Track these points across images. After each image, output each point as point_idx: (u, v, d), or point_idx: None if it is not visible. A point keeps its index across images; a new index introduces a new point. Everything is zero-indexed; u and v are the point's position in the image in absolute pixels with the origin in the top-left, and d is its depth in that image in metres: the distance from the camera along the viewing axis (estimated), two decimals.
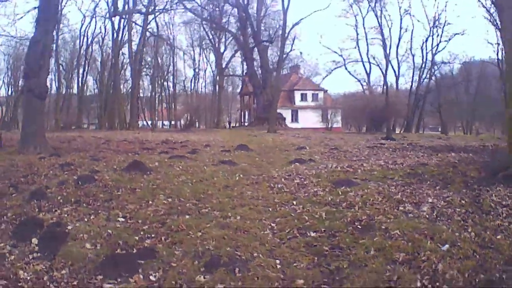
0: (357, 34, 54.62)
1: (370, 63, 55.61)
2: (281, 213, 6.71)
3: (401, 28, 51.78)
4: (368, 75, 56.49)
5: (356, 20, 54.16)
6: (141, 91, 57.37)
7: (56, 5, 16.57)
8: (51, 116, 50.91)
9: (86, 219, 6.42)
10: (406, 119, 52.73)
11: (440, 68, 56.21)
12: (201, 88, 70.11)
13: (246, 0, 46.52)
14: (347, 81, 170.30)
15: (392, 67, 53.97)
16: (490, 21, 40.19)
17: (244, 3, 46.24)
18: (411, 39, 55.91)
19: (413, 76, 56.08)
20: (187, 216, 6.54)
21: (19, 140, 15.81)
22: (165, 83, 62.39)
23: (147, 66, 56.13)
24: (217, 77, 61.84)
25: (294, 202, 7.31)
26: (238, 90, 70.74)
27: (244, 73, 63.58)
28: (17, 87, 59.28)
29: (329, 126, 56.99)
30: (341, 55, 54.40)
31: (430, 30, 50.82)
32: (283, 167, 11.74)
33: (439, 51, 52.50)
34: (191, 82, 67.69)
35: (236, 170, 11.15)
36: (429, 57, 53.27)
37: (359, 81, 58.10)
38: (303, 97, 61.45)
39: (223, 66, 59.67)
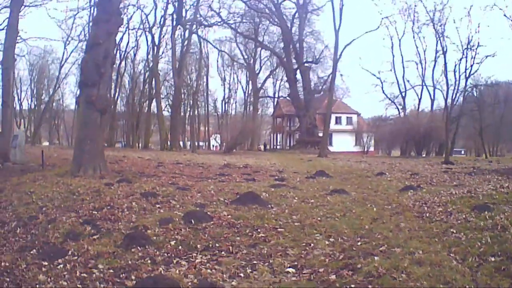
0: (393, 56, 51.43)
1: (405, 86, 52.44)
2: (450, 242, 5.78)
3: (436, 51, 48.33)
4: (404, 98, 53.17)
5: (392, 42, 50.95)
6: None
7: (119, 3, 13.63)
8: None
9: (242, 275, 4.72)
10: (441, 143, 49.11)
11: (472, 91, 52.68)
12: (231, 110, 67.21)
13: (291, 19, 43.65)
14: (375, 105, 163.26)
15: (428, 90, 51.02)
16: None
17: (289, 23, 43.39)
18: (445, 62, 51.98)
19: (446, 99, 52.46)
20: (376, 258, 5.00)
21: (72, 161, 12.76)
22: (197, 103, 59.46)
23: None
24: (251, 99, 59.00)
25: (453, 230, 6.38)
26: (269, 112, 67.90)
27: (277, 95, 61.03)
28: (40, 100, 56.95)
29: (365, 150, 53.90)
30: (379, 78, 51.22)
31: (463, 52, 47.15)
32: (403, 194, 10.20)
33: (472, 74, 49.00)
34: (222, 103, 65.01)
35: (358, 199, 9.55)
36: (462, 79, 49.73)
37: (394, 103, 54.40)
38: (338, 121, 58.22)
39: (258, 87, 56.83)
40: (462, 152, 56.95)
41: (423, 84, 50.65)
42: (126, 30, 47.22)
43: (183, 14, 38.05)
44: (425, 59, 50.00)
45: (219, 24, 40.19)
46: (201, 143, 58.52)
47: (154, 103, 48.57)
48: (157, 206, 8.02)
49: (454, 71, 48.92)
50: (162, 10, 43.33)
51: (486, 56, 45.99)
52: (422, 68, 50.10)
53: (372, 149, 57.27)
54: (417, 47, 50.86)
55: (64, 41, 48.32)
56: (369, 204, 8.88)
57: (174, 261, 5.20)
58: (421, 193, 10.38)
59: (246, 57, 56.51)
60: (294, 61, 44.76)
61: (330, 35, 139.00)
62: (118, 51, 50.27)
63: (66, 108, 65.97)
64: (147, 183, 10.84)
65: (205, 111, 58.87)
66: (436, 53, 48.23)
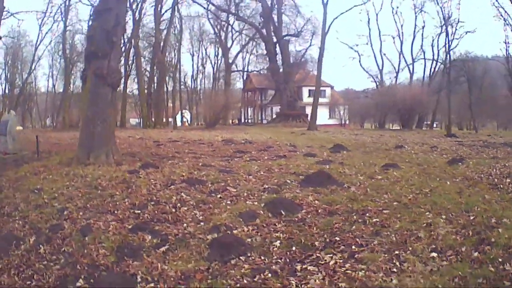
0: (370, 30, 51.01)
1: (382, 60, 52.19)
2: None
3: (415, 25, 48.47)
4: (381, 71, 52.89)
5: (369, 16, 50.37)
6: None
7: None
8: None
9: (395, 269, 3.85)
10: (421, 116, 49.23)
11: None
12: (200, 85, 64.67)
13: None
14: (346, 78, 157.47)
15: (407, 63, 51.02)
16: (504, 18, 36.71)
17: None
18: (422, 36, 52.01)
19: (424, 72, 52.93)
20: (500, 230, 4.59)
21: (78, 145, 10.93)
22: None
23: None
24: (220, 73, 56.95)
25: None
26: (236, 87, 65.90)
27: (246, 69, 59.18)
28: (14, 85, 52.94)
29: (343, 122, 53.61)
30: (356, 51, 50.63)
31: (442, 27, 47.30)
32: (456, 168, 9.65)
33: (451, 49, 49.25)
34: (191, 78, 62.39)
35: (420, 173, 8.74)
36: (441, 54, 49.91)
37: (372, 76, 54.07)
38: (311, 93, 57.15)
39: (230, 62, 54.71)
40: (434, 126, 57.32)
41: (400, 57, 50.71)
42: None
43: None
44: (402, 33, 50.04)
45: None
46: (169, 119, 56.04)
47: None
48: (218, 196, 6.63)
49: (432, 46, 49.88)
50: None
51: (466, 32, 46.65)
52: (400, 42, 50.14)
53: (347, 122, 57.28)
54: (395, 22, 50.96)
55: (40, 23, 44.93)
56: (437, 178, 8.09)
57: (299, 268, 4.02)
58: (472, 165, 9.94)
59: (217, 32, 54.04)
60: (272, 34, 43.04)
61: (308, 9, 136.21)
62: None
63: (38, 91, 62.49)
64: (176, 167, 9.41)
65: (178, 87, 56.08)
66: (415, 28, 48.54)
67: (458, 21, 45.28)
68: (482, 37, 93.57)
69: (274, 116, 48.67)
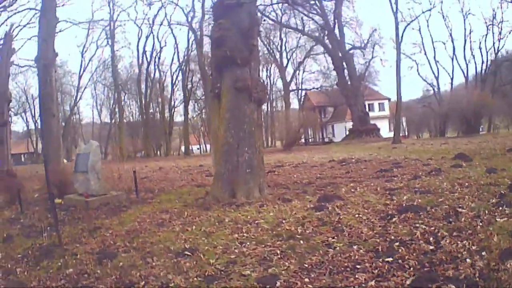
0: (422, 37, 47.80)
1: (437, 67, 49.18)
2: None
3: (465, 29, 45.32)
4: (437, 78, 49.33)
5: (419, 24, 47.07)
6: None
7: None
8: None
9: None
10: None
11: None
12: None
13: (334, 5, 38.86)
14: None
15: (461, 68, 47.82)
16: None
17: (335, 9, 38.54)
18: (470, 39, 48.59)
19: (476, 75, 48.95)
20: None
21: (215, 180, 8.31)
22: None
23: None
24: (275, 93, 54.33)
25: None
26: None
27: (300, 87, 56.40)
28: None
29: (406, 134, 50.00)
30: (414, 60, 47.32)
31: (487, 28, 44.03)
32: None
33: (499, 50, 45.64)
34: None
35: None
36: (489, 56, 47.36)
37: (430, 85, 50.64)
38: (370, 107, 53.66)
39: (288, 81, 52.15)
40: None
41: (453, 62, 47.56)
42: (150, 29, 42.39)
43: None
44: (452, 38, 46.93)
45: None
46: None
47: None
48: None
49: (480, 48, 46.77)
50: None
51: (510, 31, 43.38)
52: (452, 47, 47.25)
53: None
54: (447, 27, 48.15)
55: (82, 50, 44.12)
56: None
57: None
58: None
59: (271, 51, 51.87)
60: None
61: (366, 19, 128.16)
62: (144, 55, 45.78)
63: (82, 121, 61.90)
64: (357, 194, 7.37)
65: None
66: (465, 31, 45.52)
67: (502, 21, 43.42)
68: None
69: (347, 133, 45.36)
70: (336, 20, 38.72)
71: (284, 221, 6.00)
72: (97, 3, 67.02)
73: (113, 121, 54.12)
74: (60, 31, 20.49)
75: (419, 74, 50.26)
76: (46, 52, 15.51)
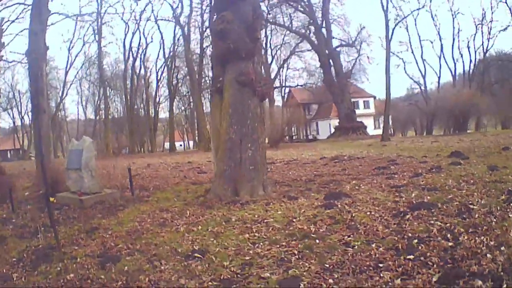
0: (409, 36, 48.31)
1: (424, 65, 49.67)
2: None
3: (453, 27, 46.08)
4: (424, 77, 50.11)
5: (407, 22, 47.32)
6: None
7: None
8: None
9: None
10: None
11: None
12: None
13: (322, 2, 38.64)
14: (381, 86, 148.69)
15: (449, 67, 48.68)
16: None
17: (322, 6, 38.31)
18: (458, 38, 49.46)
19: (463, 73, 49.92)
20: None
21: (217, 177, 7.92)
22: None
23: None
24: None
25: None
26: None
27: (284, 84, 56.19)
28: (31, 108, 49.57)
29: (392, 132, 50.46)
30: (401, 58, 47.75)
31: (476, 27, 44.86)
32: None
33: (488, 50, 46.42)
34: None
35: None
36: (478, 56, 48.18)
37: (417, 83, 51.30)
38: (355, 105, 54.02)
39: (272, 78, 51.80)
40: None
41: (441, 61, 48.17)
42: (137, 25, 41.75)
43: None
44: (440, 37, 47.61)
45: None
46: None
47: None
48: None
49: (468, 47, 47.51)
50: None
51: (499, 31, 44.28)
52: (440, 45, 47.71)
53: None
54: (435, 25, 48.81)
55: (68, 46, 42.90)
56: None
57: None
58: None
59: None
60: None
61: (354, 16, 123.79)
62: (130, 51, 44.91)
63: (67, 118, 60.50)
64: (362, 191, 7.35)
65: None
66: (453, 30, 46.25)
67: (492, 20, 43.41)
68: None
69: (332, 130, 45.43)
70: (323, 17, 38.60)
71: (294, 220, 5.80)
72: None
73: (97, 117, 53.00)
74: (52, 24, 19.29)
75: (406, 72, 51.18)
76: (38, 46, 14.57)
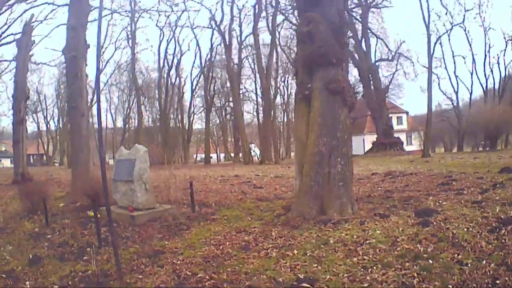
0: (442, 52, 46.96)
1: (457, 81, 48.46)
2: None
3: (485, 43, 44.60)
4: (457, 93, 48.30)
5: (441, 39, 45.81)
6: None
7: None
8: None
9: None
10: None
11: None
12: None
13: (365, 15, 37.83)
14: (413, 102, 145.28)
15: (481, 83, 46.87)
16: None
17: (364, 18, 37.57)
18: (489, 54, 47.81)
19: (494, 89, 47.93)
20: None
21: (300, 193, 7.12)
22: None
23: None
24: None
25: None
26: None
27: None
28: (64, 117, 48.51)
29: (422, 148, 48.70)
30: (436, 74, 46.19)
31: (506, 43, 43.40)
32: None
33: None
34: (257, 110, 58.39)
35: None
36: (508, 71, 46.04)
37: (449, 99, 49.60)
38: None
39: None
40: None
41: (473, 77, 46.44)
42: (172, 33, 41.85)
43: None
44: (473, 53, 46.09)
45: None
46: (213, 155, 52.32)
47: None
48: None
49: (498, 63, 46.19)
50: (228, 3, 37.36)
51: None
52: (472, 61, 46.39)
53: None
54: (468, 41, 47.37)
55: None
56: None
57: None
58: None
59: (292, 61, 50.77)
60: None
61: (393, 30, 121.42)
62: (165, 59, 44.94)
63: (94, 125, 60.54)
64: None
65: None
66: (485, 46, 44.80)
67: None
68: None
69: (366, 146, 44.31)
70: (363, 31, 37.86)
71: (398, 239, 5.21)
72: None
73: (126, 126, 52.65)
74: (94, 20, 17.59)
75: (440, 88, 49.45)
76: (77, 42, 13.54)
